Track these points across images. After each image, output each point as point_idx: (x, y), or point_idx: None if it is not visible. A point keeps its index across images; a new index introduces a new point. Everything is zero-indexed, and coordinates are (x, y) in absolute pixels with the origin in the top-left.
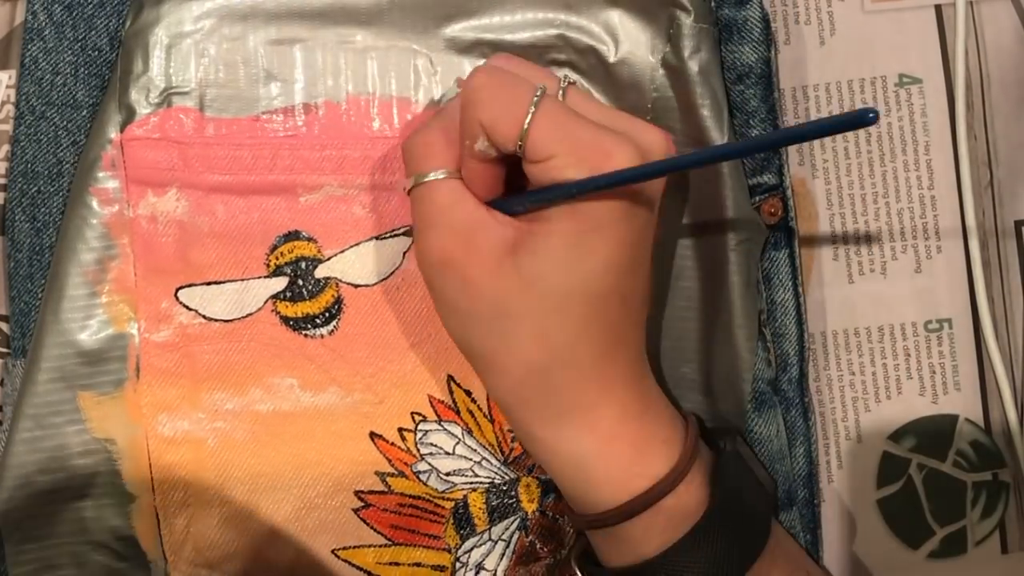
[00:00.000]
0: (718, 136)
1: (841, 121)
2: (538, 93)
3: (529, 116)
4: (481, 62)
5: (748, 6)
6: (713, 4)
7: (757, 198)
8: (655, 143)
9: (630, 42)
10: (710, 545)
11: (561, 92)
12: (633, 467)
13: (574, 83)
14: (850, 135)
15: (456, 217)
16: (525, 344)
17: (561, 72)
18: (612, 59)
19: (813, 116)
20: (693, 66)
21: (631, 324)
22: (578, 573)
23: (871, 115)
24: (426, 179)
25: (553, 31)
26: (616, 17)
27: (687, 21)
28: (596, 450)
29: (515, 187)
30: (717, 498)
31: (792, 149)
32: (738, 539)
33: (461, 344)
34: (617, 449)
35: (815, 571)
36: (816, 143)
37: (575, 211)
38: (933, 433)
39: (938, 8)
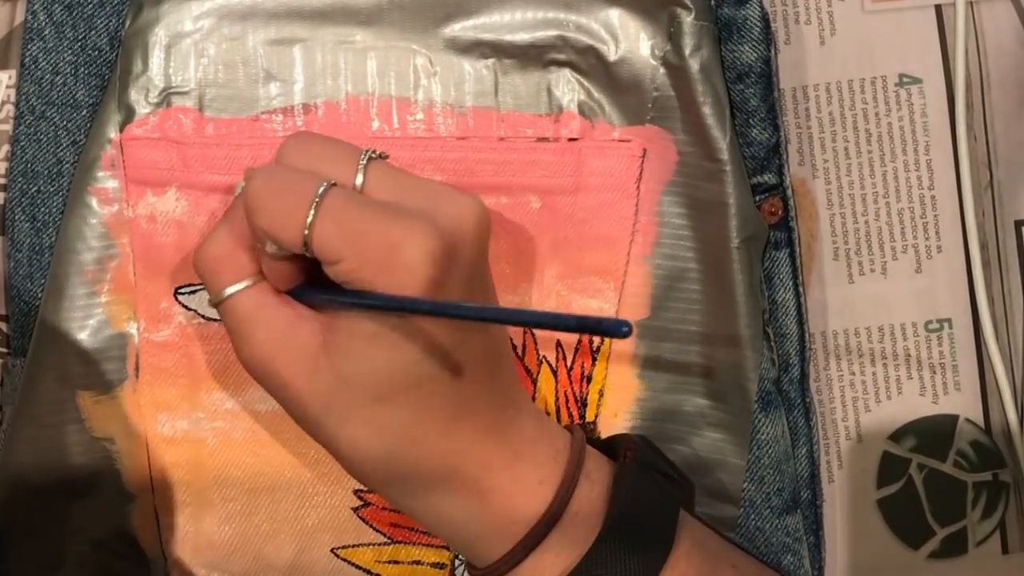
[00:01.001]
0: (720, 134)
1: (586, 323)
2: (321, 189)
3: (310, 218)
4: (481, 62)
5: (748, 5)
6: (713, 3)
7: (757, 197)
8: (462, 215)
9: (630, 41)
10: (604, 572)
11: (361, 170)
12: (510, 515)
13: (377, 157)
14: (851, 135)
15: (262, 327)
16: (361, 437)
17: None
18: (612, 58)
19: (813, 116)
20: (694, 64)
21: (475, 388)
22: None
23: (624, 329)
24: (224, 295)
25: (553, 31)
26: (616, 16)
27: (688, 19)
28: (468, 510)
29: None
30: (603, 527)
31: (793, 149)
32: (633, 559)
33: (315, 440)
34: (488, 504)
35: (745, 563)
36: (817, 143)
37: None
38: (933, 433)
39: (938, 8)
